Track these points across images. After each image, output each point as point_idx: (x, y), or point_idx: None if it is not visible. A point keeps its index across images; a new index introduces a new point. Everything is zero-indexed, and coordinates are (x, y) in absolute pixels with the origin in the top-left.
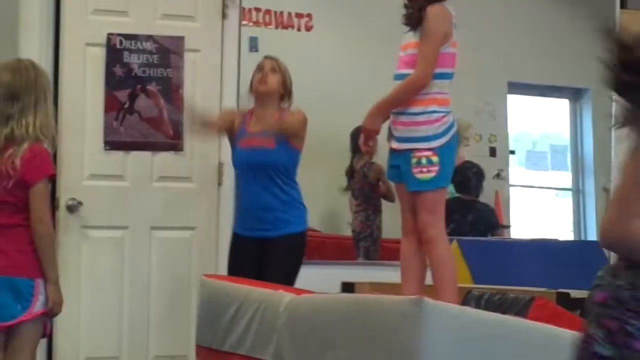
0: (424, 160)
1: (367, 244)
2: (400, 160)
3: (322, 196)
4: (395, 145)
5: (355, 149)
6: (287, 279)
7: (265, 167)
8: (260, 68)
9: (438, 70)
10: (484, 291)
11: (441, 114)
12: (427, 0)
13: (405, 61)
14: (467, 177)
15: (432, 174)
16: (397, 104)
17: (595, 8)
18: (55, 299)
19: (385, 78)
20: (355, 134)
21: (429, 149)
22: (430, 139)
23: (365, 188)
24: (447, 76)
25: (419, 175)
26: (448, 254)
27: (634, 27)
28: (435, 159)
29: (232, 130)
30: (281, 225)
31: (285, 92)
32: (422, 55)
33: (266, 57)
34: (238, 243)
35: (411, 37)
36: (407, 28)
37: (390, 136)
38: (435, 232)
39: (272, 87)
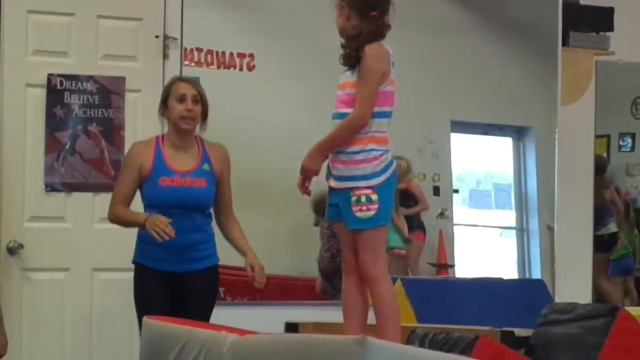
0: (363, 199)
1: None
2: (339, 198)
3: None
4: (334, 184)
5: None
6: (209, 311)
7: (198, 206)
8: (181, 98)
9: (377, 109)
10: (428, 330)
11: (379, 152)
12: (364, 40)
13: (344, 100)
14: None
15: (372, 212)
16: (337, 144)
17: (537, 46)
18: (0, 341)
19: (328, 116)
20: None
21: (368, 187)
22: (369, 177)
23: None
24: (385, 115)
25: (358, 214)
26: (390, 292)
27: (575, 64)
28: (374, 197)
29: (140, 170)
30: (204, 259)
31: (204, 119)
32: (360, 95)
33: (182, 80)
34: (150, 277)
35: (349, 77)
36: (345, 67)
37: (329, 175)
38: (377, 270)
39: (197, 121)
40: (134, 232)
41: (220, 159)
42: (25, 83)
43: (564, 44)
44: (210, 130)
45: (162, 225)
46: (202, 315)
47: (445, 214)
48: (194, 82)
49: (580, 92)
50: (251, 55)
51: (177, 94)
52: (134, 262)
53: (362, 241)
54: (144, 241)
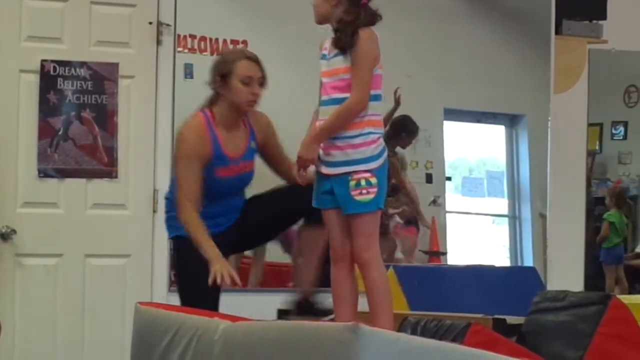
0: (363, 182)
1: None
2: (335, 184)
3: None
4: (327, 170)
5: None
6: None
7: (246, 188)
8: (247, 80)
9: (371, 92)
10: (420, 318)
11: (377, 135)
12: (357, 24)
13: (337, 86)
14: None
15: (372, 196)
16: (335, 130)
17: (531, 34)
18: None
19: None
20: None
21: (367, 171)
22: (368, 161)
23: None
24: (378, 98)
25: (358, 197)
26: (384, 278)
27: (568, 52)
28: (373, 180)
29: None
30: None
31: None
32: (357, 79)
33: (248, 59)
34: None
35: (341, 62)
36: (330, 54)
37: (319, 162)
38: (371, 256)
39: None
40: (126, 218)
41: (263, 128)
42: (19, 69)
43: (557, 32)
44: None
45: (227, 280)
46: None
47: (437, 202)
48: (259, 61)
49: (573, 80)
50: (245, 42)
51: (243, 76)
52: (174, 237)
53: (358, 225)
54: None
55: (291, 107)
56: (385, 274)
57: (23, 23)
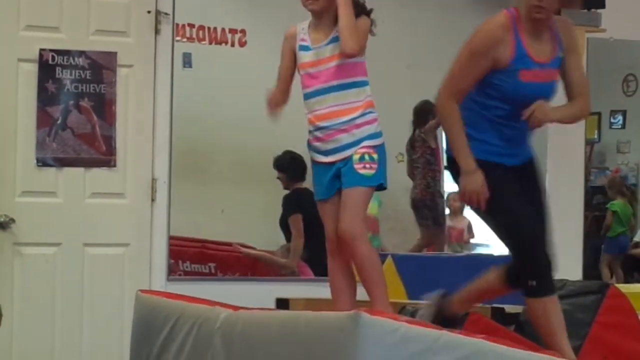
0: (366, 157)
1: (427, 211)
2: (342, 165)
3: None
4: (336, 157)
5: (416, 123)
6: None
7: (549, 98)
8: None
9: (364, 78)
10: (418, 306)
11: (375, 115)
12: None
13: (335, 72)
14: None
15: (373, 171)
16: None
17: None
18: None
19: None
20: (418, 109)
21: (371, 147)
22: (371, 137)
23: (427, 153)
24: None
25: (361, 171)
26: (372, 253)
27: None
28: (375, 156)
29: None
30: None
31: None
32: (357, 32)
33: None
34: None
35: (335, 49)
36: (318, 44)
37: (320, 154)
38: (357, 230)
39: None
40: (124, 207)
41: (569, 33)
42: (17, 58)
43: None
44: (201, 105)
45: (474, 202)
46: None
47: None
48: None
49: None
50: (243, 31)
51: None
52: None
53: (350, 199)
54: (478, 136)
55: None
56: (373, 248)
57: (21, 12)
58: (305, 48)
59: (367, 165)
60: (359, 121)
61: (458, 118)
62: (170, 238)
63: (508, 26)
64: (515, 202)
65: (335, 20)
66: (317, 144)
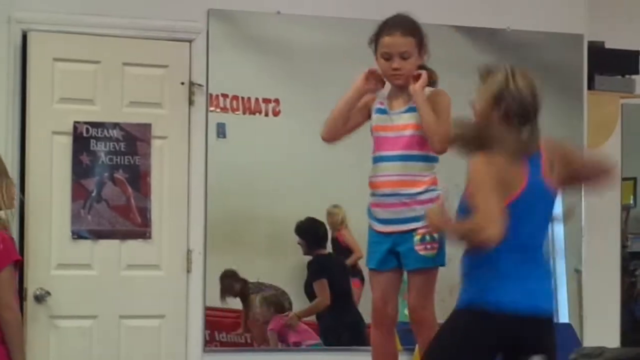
0: (427, 237)
1: None
2: (398, 240)
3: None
4: (392, 228)
5: None
6: None
7: None
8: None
9: (435, 155)
10: None
11: (439, 192)
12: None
13: (408, 142)
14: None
15: (434, 251)
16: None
17: (563, 90)
18: None
19: (354, 160)
20: None
21: (431, 226)
22: None
23: None
24: (438, 160)
25: (422, 252)
26: None
27: (601, 107)
28: (436, 235)
29: None
30: None
31: None
32: (443, 130)
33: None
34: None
35: (410, 118)
36: (396, 110)
37: (377, 222)
38: (429, 314)
39: None
40: (160, 279)
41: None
42: (52, 131)
43: (589, 87)
44: (236, 175)
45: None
46: None
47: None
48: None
49: (606, 135)
50: (276, 101)
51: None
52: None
53: (418, 282)
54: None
55: (321, 167)
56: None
57: (55, 85)
58: (382, 111)
59: (429, 246)
60: (422, 197)
61: None
62: (206, 309)
63: None
64: None
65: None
66: (376, 209)
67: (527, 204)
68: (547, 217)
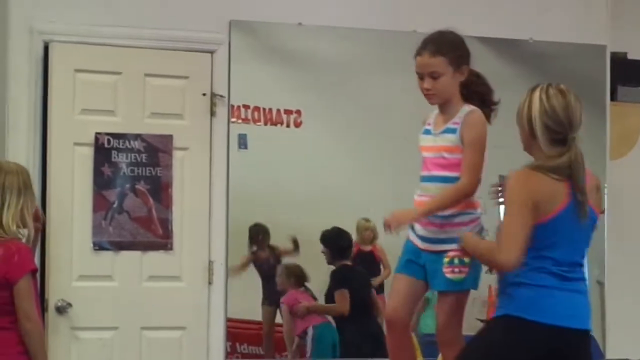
0: (456, 261)
1: None
2: (428, 259)
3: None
4: (424, 245)
5: None
6: None
7: None
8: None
9: None
10: None
11: (475, 216)
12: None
13: (442, 164)
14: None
15: (463, 275)
16: (443, 209)
17: (586, 101)
18: None
19: (376, 171)
20: None
21: (463, 249)
22: None
23: None
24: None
25: (449, 275)
26: None
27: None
28: (467, 259)
29: None
30: None
31: None
32: (471, 163)
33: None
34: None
35: (448, 141)
36: (437, 130)
37: (415, 235)
38: (453, 335)
39: None
40: (181, 290)
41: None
42: (73, 142)
43: (612, 99)
44: (257, 186)
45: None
46: None
47: (493, 271)
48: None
49: (629, 146)
50: (298, 112)
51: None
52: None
53: (445, 303)
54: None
55: (343, 178)
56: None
57: (77, 96)
58: (426, 132)
59: (457, 270)
60: (456, 220)
61: None
62: (228, 320)
63: None
64: None
65: (457, 109)
66: (416, 224)
67: (568, 220)
68: (588, 236)
